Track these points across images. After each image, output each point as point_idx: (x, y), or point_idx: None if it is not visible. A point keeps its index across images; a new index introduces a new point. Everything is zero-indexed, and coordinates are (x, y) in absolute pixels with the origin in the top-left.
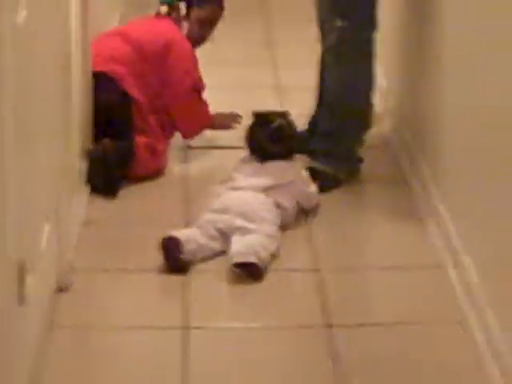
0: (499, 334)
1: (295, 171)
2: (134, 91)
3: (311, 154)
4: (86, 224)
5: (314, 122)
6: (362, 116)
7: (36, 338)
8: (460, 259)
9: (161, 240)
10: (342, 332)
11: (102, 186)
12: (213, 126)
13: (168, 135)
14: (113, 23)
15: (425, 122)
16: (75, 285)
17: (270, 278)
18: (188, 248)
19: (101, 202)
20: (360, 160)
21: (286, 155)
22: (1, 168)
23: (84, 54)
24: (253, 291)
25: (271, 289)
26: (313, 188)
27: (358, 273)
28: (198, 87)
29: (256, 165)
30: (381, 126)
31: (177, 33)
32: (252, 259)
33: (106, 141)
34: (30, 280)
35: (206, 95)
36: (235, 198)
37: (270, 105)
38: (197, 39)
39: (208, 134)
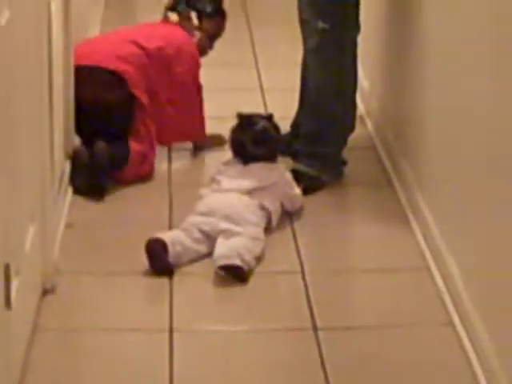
0: (485, 335)
1: (279, 173)
2: (141, 94)
3: (295, 156)
4: (69, 226)
5: (296, 124)
6: (344, 118)
7: (21, 341)
8: (444, 261)
9: (146, 242)
10: (328, 335)
11: (89, 188)
12: (202, 143)
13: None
14: (95, 25)
15: (407, 124)
16: (60, 287)
17: (255, 281)
18: (173, 250)
19: (84, 204)
20: (344, 162)
21: (269, 157)
22: None
23: (66, 55)
24: (238, 294)
25: (256, 291)
26: (297, 190)
27: (343, 275)
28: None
29: (240, 167)
30: (364, 128)
31: (188, 39)
32: (236, 262)
33: (101, 145)
34: (15, 283)
35: None
36: (220, 201)
37: (251, 107)
38: (204, 49)
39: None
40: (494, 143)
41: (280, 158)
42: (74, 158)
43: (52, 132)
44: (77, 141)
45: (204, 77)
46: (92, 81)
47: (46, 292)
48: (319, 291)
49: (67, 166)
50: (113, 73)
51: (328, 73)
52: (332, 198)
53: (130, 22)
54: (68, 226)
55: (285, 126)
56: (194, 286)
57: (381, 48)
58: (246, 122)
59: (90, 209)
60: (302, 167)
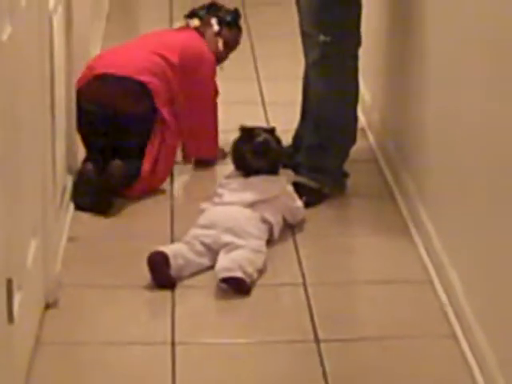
0: (487, 347)
1: (281, 186)
2: (165, 110)
3: (296, 168)
4: (72, 239)
5: (298, 137)
6: (346, 130)
7: (24, 355)
8: (446, 274)
9: (148, 255)
10: (330, 347)
11: (94, 206)
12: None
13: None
14: (97, 39)
15: (409, 136)
16: (63, 301)
17: (257, 293)
18: (175, 263)
19: (86, 218)
20: (345, 174)
21: (271, 170)
22: None
23: (68, 70)
24: (240, 307)
25: (258, 304)
26: (298, 203)
27: (345, 287)
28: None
29: (241, 180)
30: (365, 141)
31: (206, 47)
32: (238, 274)
33: (117, 164)
34: (17, 297)
35: None
36: (222, 213)
37: (253, 120)
38: (221, 58)
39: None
40: (496, 156)
41: (282, 171)
42: (80, 175)
43: (54, 146)
44: (80, 156)
45: None
46: (121, 91)
47: (48, 306)
48: (321, 303)
49: (69, 180)
50: (141, 84)
51: (329, 85)
52: (334, 211)
53: (133, 36)
54: (70, 239)
55: (287, 139)
56: (196, 298)
57: (382, 61)
58: (247, 134)
59: (92, 222)
60: (303, 180)
